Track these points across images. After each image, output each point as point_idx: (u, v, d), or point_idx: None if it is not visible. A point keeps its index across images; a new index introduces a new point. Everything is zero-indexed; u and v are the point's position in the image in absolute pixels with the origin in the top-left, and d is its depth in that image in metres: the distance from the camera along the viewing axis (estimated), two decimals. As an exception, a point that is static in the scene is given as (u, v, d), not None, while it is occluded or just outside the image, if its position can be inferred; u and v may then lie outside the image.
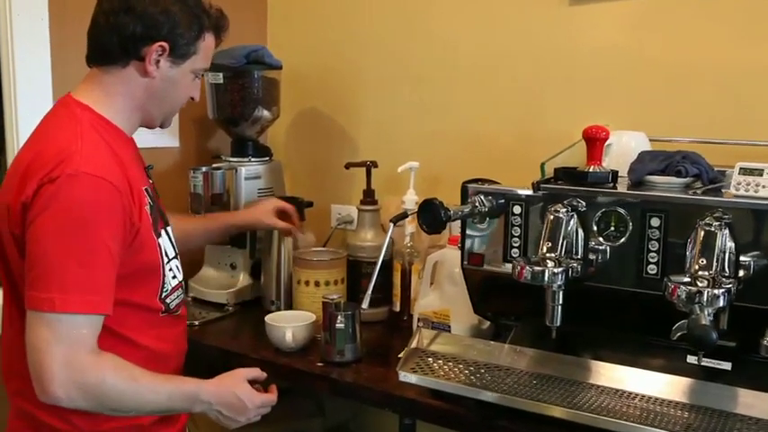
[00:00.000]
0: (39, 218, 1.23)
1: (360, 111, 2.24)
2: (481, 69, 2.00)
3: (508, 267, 1.38)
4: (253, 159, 2.11)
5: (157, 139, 2.19)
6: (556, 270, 1.25)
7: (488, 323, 1.66)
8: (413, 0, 2.11)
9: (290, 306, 1.93)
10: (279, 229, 1.91)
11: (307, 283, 1.83)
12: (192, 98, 1.47)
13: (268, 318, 1.74)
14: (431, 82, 2.09)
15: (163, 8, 1.33)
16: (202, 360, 1.80)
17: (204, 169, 2.02)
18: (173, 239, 1.51)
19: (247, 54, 2.03)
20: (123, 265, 1.31)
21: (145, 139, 2.17)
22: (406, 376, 1.35)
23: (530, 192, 1.39)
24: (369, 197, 1.96)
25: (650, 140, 1.60)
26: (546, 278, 1.26)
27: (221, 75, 2.05)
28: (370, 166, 1.96)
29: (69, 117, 1.35)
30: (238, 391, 1.39)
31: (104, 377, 1.24)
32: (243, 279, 2.07)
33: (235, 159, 2.11)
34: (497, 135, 1.98)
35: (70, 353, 1.21)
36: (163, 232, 1.45)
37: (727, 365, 1.29)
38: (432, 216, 1.34)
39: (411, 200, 1.92)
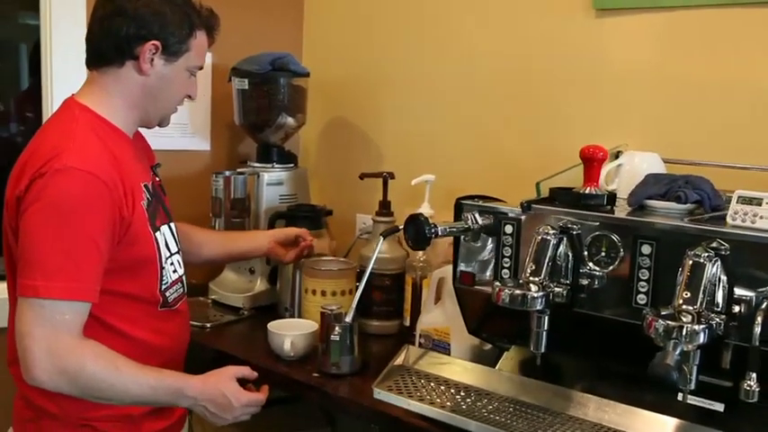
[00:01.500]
0: (28, 210, 1.29)
1: (384, 121, 2.23)
2: (503, 83, 1.96)
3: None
4: (276, 165, 2.12)
5: (189, 143, 2.25)
6: (536, 294, 1.20)
7: (490, 345, 1.61)
8: (438, 16, 2.08)
9: (301, 313, 1.93)
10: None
11: (314, 292, 1.82)
12: (190, 96, 1.51)
13: (270, 325, 1.74)
14: (453, 95, 2.06)
15: (154, 9, 1.38)
16: (201, 362, 1.83)
17: (226, 174, 2.05)
18: (176, 235, 1.54)
19: (273, 61, 2.04)
20: (117, 258, 1.35)
21: (177, 142, 2.25)
22: (380, 393, 1.32)
23: (520, 211, 1.34)
24: (384, 209, 1.94)
25: (668, 162, 1.52)
26: (525, 302, 1.21)
27: (247, 81, 2.07)
28: (386, 177, 1.94)
29: (68, 117, 1.40)
30: (225, 388, 1.40)
31: (84, 363, 1.28)
32: (260, 284, 2.08)
33: (259, 165, 2.12)
34: (517, 150, 1.94)
35: (52, 337, 1.25)
36: (164, 228, 1.49)
37: (719, 406, 1.20)
38: (416, 231, 1.31)
39: (425, 213, 1.88)
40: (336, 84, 2.31)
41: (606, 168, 1.48)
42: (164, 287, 1.47)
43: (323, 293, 1.81)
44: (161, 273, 1.46)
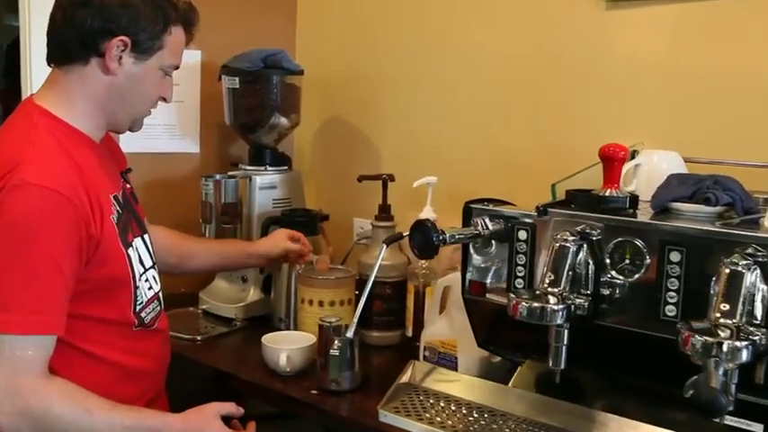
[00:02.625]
0: None
1: (383, 121, 2.12)
2: (509, 79, 1.86)
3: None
4: (270, 168, 2.01)
5: (177, 145, 2.15)
6: (556, 307, 1.10)
7: (500, 357, 1.51)
8: (440, 10, 1.98)
9: (296, 324, 1.82)
10: (292, 252, 1.79)
11: (310, 302, 1.72)
12: (164, 99, 1.38)
13: (265, 338, 1.63)
14: (456, 93, 1.96)
15: (123, 0, 1.24)
16: (191, 378, 1.72)
17: (217, 177, 1.94)
18: (150, 248, 1.42)
19: (265, 58, 1.94)
20: (86, 280, 1.22)
21: (165, 144, 2.14)
22: (386, 416, 1.21)
23: (535, 216, 1.24)
24: (384, 212, 1.83)
25: (688, 162, 1.43)
26: (545, 316, 1.10)
27: (238, 79, 1.96)
28: (386, 180, 1.83)
29: (25, 123, 1.27)
30: (208, 427, 1.28)
31: (51, 405, 1.15)
32: (253, 293, 1.97)
33: (251, 168, 2.01)
34: (524, 150, 1.83)
35: (12, 377, 1.13)
36: (137, 241, 1.37)
37: (758, 427, 1.10)
38: (423, 239, 1.20)
39: (427, 217, 1.78)
40: (332, 82, 2.21)
41: (624, 169, 1.38)
42: (138, 308, 1.35)
43: (320, 304, 1.71)
44: (135, 293, 1.34)
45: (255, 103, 1.97)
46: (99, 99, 1.30)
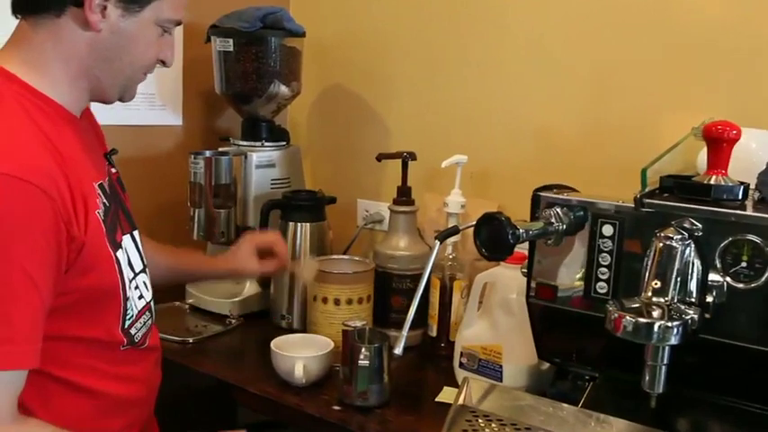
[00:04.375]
0: None
1: (395, 91, 1.88)
2: (542, 45, 1.63)
3: (591, 305, 1.05)
4: (267, 144, 1.77)
5: (157, 116, 1.89)
6: (670, 324, 0.89)
7: (548, 364, 1.31)
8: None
9: (303, 322, 1.61)
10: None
11: (324, 300, 1.49)
12: (163, 62, 1.12)
13: (275, 344, 1.40)
14: (479, 59, 1.73)
15: None
16: (185, 387, 1.49)
17: (207, 154, 1.69)
18: (140, 247, 1.17)
19: (263, 17, 1.68)
20: (66, 293, 0.98)
21: (143, 115, 1.87)
22: (454, 452, 1.00)
23: (628, 207, 1.03)
24: (404, 195, 1.61)
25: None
26: (655, 335, 0.90)
27: (231, 41, 1.70)
28: (407, 158, 1.61)
29: None
30: None
31: None
32: (250, 287, 1.74)
33: (245, 143, 1.77)
34: (560, 125, 1.63)
35: None
36: (126, 240, 1.12)
37: None
38: (495, 237, 0.98)
39: (456, 202, 1.57)
40: (333, 45, 1.95)
41: (704, 150, 1.18)
42: (128, 323, 1.11)
43: (336, 302, 1.49)
44: (124, 305, 1.10)
45: (251, 68, 1.72)
46: (79, 61, 1.04)
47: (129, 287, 1.11)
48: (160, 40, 1.10)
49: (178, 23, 1.12)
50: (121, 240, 1.11)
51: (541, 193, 1.11)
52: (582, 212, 1.07)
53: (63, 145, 1.01)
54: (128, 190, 1.29)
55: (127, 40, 1.06)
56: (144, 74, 1.13)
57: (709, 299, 0.98)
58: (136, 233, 1.18)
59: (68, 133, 1.05)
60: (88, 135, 1.15)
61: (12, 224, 0.90)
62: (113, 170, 1.21)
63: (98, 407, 1.05)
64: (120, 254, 1.09)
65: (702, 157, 1.15)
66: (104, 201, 1.07)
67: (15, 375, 0.93)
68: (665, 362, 0.97)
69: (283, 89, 1.75)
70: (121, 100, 1.14)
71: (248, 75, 1.72)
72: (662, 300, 0.93)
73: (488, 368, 1.34)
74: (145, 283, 1.17)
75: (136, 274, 1.14)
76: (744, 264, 0.96)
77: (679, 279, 0.95)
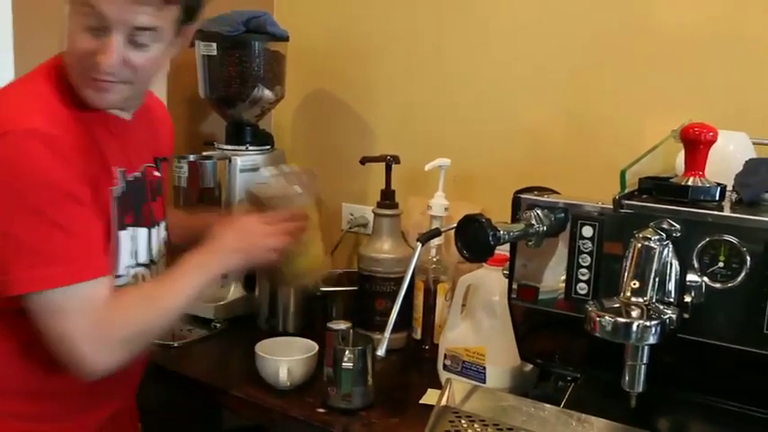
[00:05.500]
0: None
1: (378, 95, 1.89)
2: (527, 46, 1.64)
3: (572, 306, 1.06)
4: (251, 148, 1.77)
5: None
6: (648, 323, 0.91)
7: (531, 365, 1.32)
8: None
9: (285, 324, 1.63)
10: None
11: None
12: (97, 61, 1.05)
13: (259, 347, 1.41)
14: (462, 64, 1.74)
15: None
16: (167, 391, 1.50)
17: (192, 158, 1.69)
18: (153, 245, 1.24)
19: (247, 21, 1.69)
20: None
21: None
22: (437, 452, 1.01)
23: (608, 208, 1.04)
24: (387, 199, 1.61)
25: (757, 144, 1.25)
26: (633, 334, 0.91)
27: (215, 45, 1.71)
28: (390, 162, 1.61)
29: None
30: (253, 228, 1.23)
31: (129, 317, 1.08)
32: (234, 291, 1.74)
33: (229, 147, 1.77)
34: (546, 128, 1.64)
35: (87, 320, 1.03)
36: (138, 231, 1.18)
37: None
38: (475, 239, 0.99)
39: (439, 204, 1.58)
40: (316, 49, 1.96)
41: (683, 152, 1.20)
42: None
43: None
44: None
45: (235, 72, 1.72)
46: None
47: (125, 271, 1.16)
48: (91, 39, 1.04)
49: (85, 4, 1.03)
50: (130, 223, 1.16)
51: (522, 195, 1.11)
52: (562, 214, 1.08)
53: (84, 123, 1.08)
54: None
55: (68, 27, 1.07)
56: (88, 72, 1.06)
57: (688, 299, 0.99)
58: (154, 231, 1.23)
59: (94, 120, 1.11)
60: (130, 132, 1.18)
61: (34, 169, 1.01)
62: (156, 173, 1.25)
63: (72, 398, 1.12)
64: (123, 234, 1.14)
65: (681, 159, 1.17)
66: (123, 185, 1.13)
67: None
68: (645, 361, 0.98)
69: (267, 93, 1.76)
70: (89, 100, 1.10)
71: (232, 79, 1.72)
72: (641, 300, 0.94)
73: (472, 370, 1.35)
74: (143, 277, 1.20)
75: (137, 264, 1.18)
76: (721, 264, 0.97)
77: (657, 279, 0.96)
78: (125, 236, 1.15)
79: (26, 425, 1.12)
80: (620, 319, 0.91)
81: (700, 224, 0.99)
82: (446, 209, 1.58)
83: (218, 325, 1.69)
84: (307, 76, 1.99)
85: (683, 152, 1.13)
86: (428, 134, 1.79)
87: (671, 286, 0.99)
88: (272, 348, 1.42)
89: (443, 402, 1.12)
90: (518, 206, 1.11)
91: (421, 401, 1.35)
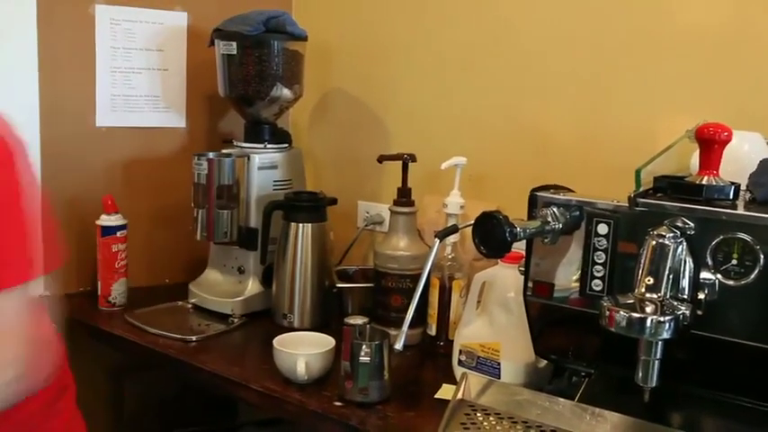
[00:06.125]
0: None
1: (395, 95, 1.91)
2: (541, 49, 1.66)
3: (586, 303, 1.08)
4: (269, 146, 1.79)
5: (162, 119, 1.93)
6: (662, 318, 0.92)
7: (545, 361, 1.34)
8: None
9: (302, 320, 1.65)
10: None
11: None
12: None
13: (277, 341, 1.43)
14: (479, 64, 1.76)
15: None
16: (193, 386, 1.52)
17: (211, 156, 1.71)
18: None
19: (266, 20, 1.71)
20: None
21: (147, 117, 1.89)
22: (453, 443, 1.03)
23: (623, 206, 1.06)
24: (404, 197, 1.63)
25: (768, 143, 1.26)
26: (647, 329, 0.93)
27: (235, 44, 1.73)
28: (407, 160, 1.63)
29: None
30: None
31: None
32: (252, 286, 1.77)
33: (248, 145, 1.79)
34: (558, 128, 1.66)
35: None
36: None
37: None
38: (492, 235, 1.01)
39: (455, 203, 1.60)
40: (334, 49, 1.99)
41: (697, 152, 1.21)
42: None
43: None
44: None
45: (255, 71, 1.74)
46: None
47: None
48: None
49: None
50: None
51: (538, 193, 1.13)
52: (578, 212, 1.09)
53: None
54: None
55: None
56: None
57: (701, 296, 1.01)
58: None
59: None
60: None
61: None
62: None
63: None
64: None
65: (696, 159, 1.18)
66: None
67: None
68: (658, 357, 0.99)
69: (286, 92, 1.78)
70: None
71: (251, 78, 1.75)
72: (655, 296, 0.96)
73: (487, 365, 1.36)
74: None
75: None
76: (734, 261, 0.99)
77: (671, 276, 0.98)
78: None
79: None
80: (635, 315, 0.93)
81: (713, 222, 1.00)
82: (461, 207, 1.60)
83: (236, 320, 1.71)
84: (324, 76, 2.02)
85: (697, 152, 1.15)
86: (444, 133, 1.81)
87: (685, 283, 1.00)
88: (290, 343, 1.44)
89: (459, 396, 1.14)
90: (534, 204, 1.13)
91: (436, 396, 1.37)
